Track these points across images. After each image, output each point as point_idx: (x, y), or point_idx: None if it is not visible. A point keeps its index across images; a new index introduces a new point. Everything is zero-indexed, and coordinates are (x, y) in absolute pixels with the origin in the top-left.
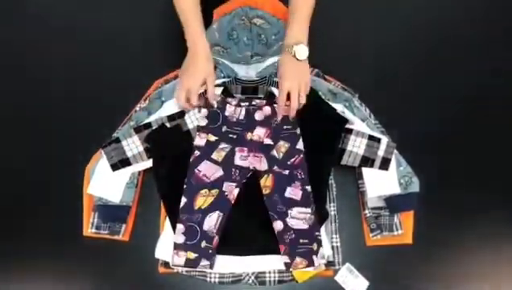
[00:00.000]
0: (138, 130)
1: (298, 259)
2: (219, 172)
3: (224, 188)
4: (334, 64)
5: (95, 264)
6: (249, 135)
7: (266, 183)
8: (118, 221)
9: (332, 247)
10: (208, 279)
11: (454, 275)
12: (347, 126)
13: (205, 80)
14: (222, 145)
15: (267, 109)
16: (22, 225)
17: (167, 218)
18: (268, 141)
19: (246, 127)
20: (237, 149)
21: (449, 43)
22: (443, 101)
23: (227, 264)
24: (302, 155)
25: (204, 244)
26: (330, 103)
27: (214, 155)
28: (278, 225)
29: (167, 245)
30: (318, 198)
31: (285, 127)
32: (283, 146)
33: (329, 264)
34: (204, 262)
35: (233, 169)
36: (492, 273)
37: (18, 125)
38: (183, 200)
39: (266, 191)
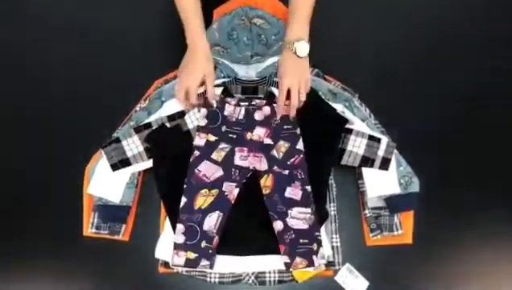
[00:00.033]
0: (138, 130)
1: (298, 259)
2: (219, 172)
3: (224, 188)
4: (334, 63)
5: (95, 264)
6: (248, 135)
7: (266, 183)
8: (118, 221)
9: (332, 247)
10: (208, 279)
11: (454, 275)
12: (347, 126)
13: (204, 79)
14: (222, 145)
15: (267, 109)
16: (22, 225)
17: (167, 218)
18: (268, 141)
19: (246, 127)
20: (236, 149)
21: (449, 42)
22: (443, 100)
23: (227, 264)
24: (302, 155)
25: (204, 244)
26: (330, 103)
27: (214, 155)
28: (278, 225)
29: (167, 245)
30: (318, 198)
31: (285, 127)
32: (283, 146)
33: (329, 264)
34: (204, 262)
35: (233, 169)
36: (492, 272)
37: (18, 125)
38: (183, 200)
39: (266, 191)
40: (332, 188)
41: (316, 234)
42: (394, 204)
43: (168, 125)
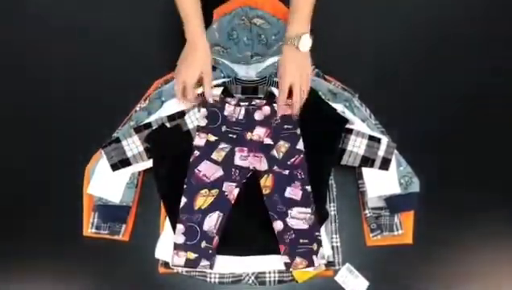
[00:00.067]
0: (138, 130)
1: (298, 259)
2: (219, 172)
3: (224, 188)
4: (334, 63)
5: (95, 264)
6: (248, 135)
7: (266, 183)
8: (118, 221)
9: (332, 247)
10: (208, 279)
11: (454, 275)
12: (347, 126)
13: (202, 76)
14: (222, 145)
15: (267, 109)
16: (22, 225)
17: (167, 218)
18: (268, 141)
19: (246, 127)
20: (236, 149)
21: (449, 42)
22: (443, 100)
23: (227, 264)
24: (302, 155)
25: (204, 244)
26: (330, 103)
27: (214, 155)
28: (278, 225)
29: (167, 245)
30: (318, 198)
31: (285, 127)
32: (283, 146)
33: (329, 264)
34: (204, 262)
35: (233, 169)
36: (492, 272)
37: (18, 125)
38: (183, 200)
39: (266, 191)
40: (332, 188)
41: (316, 234)
42: (394, 204)
43: (168, 125)
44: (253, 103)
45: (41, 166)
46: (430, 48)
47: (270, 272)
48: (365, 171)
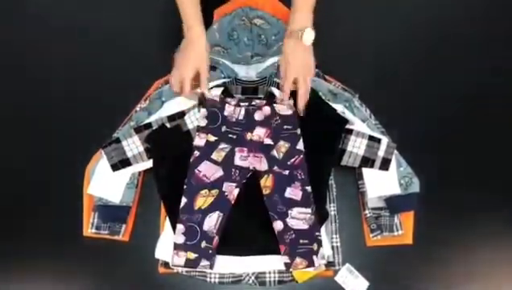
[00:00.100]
0: (138, 130)
1: (298, 260)
2: (219, 173)
3: (224, 189)
4: (334, 63)
5: (95, 264)
6: (248, 135)
7: (266, 183)
8: (118, 221)
9: (332, 247)
10: (208, 279)
11: (454, 275)
12: (347, 126)
13: (199, 71)
14: (222, 145)
15: (267, 109)
16: (22, 225)
17: (167, 218)
18: (268, 141)
19: (246, 127)
20: (236, 149)
21: (449, 42)
22: (443, 100)
23: (227, 264)
24: (302, 156)
25: (204, 244)
26: (330, 103)
27: (214, 156)
28: (278, 226)
29: (167, 245)
30: (318, 198)
31: (285, 127)
32: (283, 146)
33: (329, 264)
34: (204, 262)
35: (233, 169)
36: (492, 272)
37: (18, 125)
38: (184, 200)
39: (266, 191)
40: (332, 188)
41: (316, 234)
42: (394, 204)
43: (168, 125)
44: (254, 103)
45: (41, 166)
46: (430, 48)
47: (270, 272)
48: (365, 171)
